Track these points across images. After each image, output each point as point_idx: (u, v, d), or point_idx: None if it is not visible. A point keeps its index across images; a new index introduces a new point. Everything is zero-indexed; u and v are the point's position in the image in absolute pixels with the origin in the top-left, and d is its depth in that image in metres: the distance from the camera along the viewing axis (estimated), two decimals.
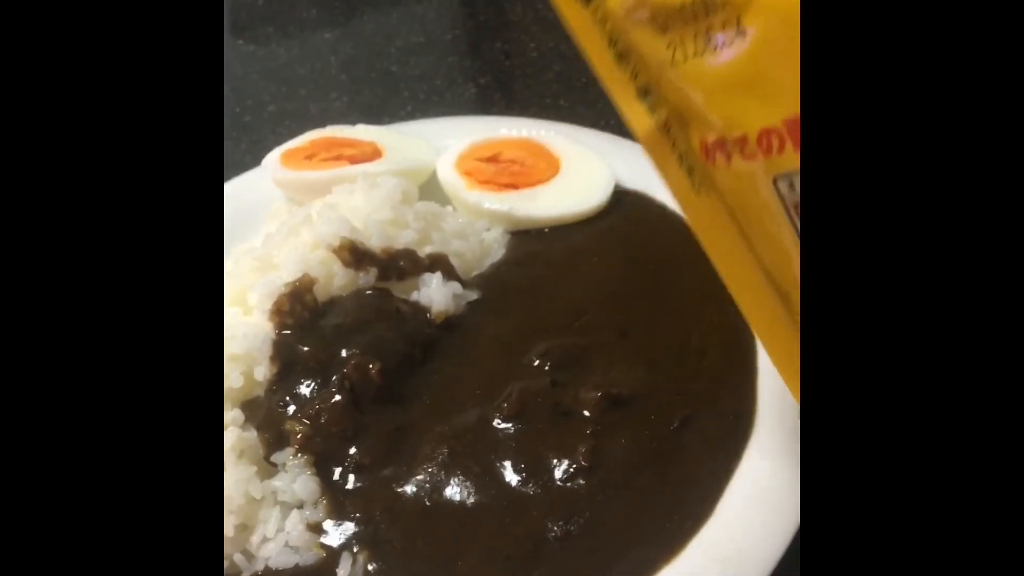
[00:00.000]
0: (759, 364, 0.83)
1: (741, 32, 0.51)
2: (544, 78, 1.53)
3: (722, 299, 0.90)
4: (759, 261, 0.61)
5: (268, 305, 0.87)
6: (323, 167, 1.11)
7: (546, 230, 1.05)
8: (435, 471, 0.78)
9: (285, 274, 0.90)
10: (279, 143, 1.19)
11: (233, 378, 0.83)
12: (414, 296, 0.93)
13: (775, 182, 0.53)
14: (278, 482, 0.79)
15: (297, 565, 0.76)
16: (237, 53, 1.73)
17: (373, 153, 1.13)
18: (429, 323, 0.91)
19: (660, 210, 1.03)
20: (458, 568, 0.73)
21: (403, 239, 0.96)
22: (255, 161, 1.18)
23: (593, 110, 1.41)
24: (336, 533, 0.77)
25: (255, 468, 0.80)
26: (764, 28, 0.50)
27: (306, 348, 0.85)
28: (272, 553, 0.77)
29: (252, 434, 0.82)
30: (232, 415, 0.82)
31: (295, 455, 0.80)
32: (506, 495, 0.76)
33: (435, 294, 0.92)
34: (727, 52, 0.52)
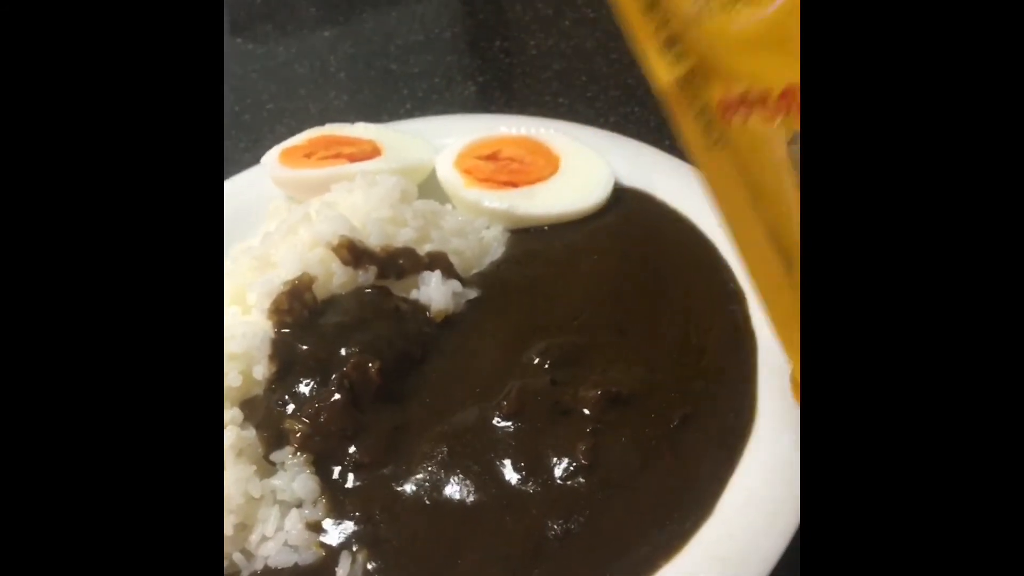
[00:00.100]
0: (758, 362, 0.83)
1: None
2: (543, 76, 1.53)
3: (721, 297, 0.90)
4: (764, 219, 0.62)
5: (267, 304, 0.87)
6: (322, 165, 1.11)
7: (545, 228, 1.05)
8: (434, 470, 0.78)
9: (284, 273, 0.90)
10: (278, 141, 1.19)
11: (232, 377, 0.83)
12: (413, 294, 0.93)
13: (791, 141, 0.54)
14: (277, 481, 0.79)
15: (296, 564, 0.76)
16: (236, 52, 1.73)
17: (372, 151, 1.13)
18: (428, 322, 0.91)
19: (659, 208, 1.03)
20: (457, 567, 0.72)
21: (402, 237, 0.96)
22: (254, 160, 1.18)
23: (592, 108, 1.41)
24: (335, 532, 0.77)
25: (254, 467, 0.80)
26: None
27: (305, 347, 0.85)
28: (271, 552, 0.77)
29: (251, 433, 0.81)
30: (231, 414, 0.82)
31: (294, 454, 0.80)
32: (506, 494, 0.76)
33: (434, 292, 0.92)
34: (759, 9, 0.53)
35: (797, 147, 0.54)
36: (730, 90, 0.58)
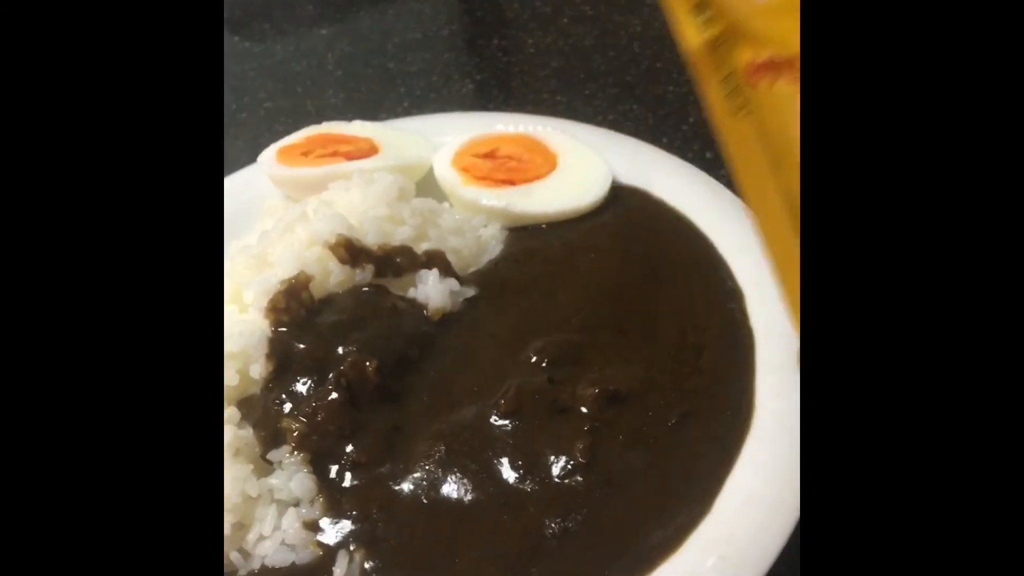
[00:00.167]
0: (757, 360, 0.83)
1: None
2: (541, 74, 1.53)
3: (719, 295, 0.90)
4: (783, 189, 0.62)
5: (264, 302, 0.87)
6: (319, 164, 1.11)
7: (543, 226, 1.05)
8: (432, 469, 0.78)
9: (281, 271, 0.89)
10: (275, 140, 1.19)
11: (229, 376, 0.83)
12: (411, 293, 0.93)
13: None
14: (274, 480, 0.79)
15: (293, 563, 0.76)
16: (234, 50, 1.73)
17: (369, 149, 1.13)
18: (426, 320, 0.91)
19: (657, 206, 1.03)
20: (455, 566, 0.72)
21: (400, 236, 0.95)
22: (251, 158, 1.18)
23: (590, 106, 1.41)
24: (333, 531, 0.76)
25: (251, 466, 0.79)
26: None
27: (302, 346, 0.85)
28: (268, 551, 0.76)
29: (248, 432, 0.81)
30: (228, 413, 0.82)
31: (291, 453, 0.80)
32: (503, 492, 0.76)
33: (432, 291, 0.92)
34: None
35: None
36: (758, 55, 0.58)
